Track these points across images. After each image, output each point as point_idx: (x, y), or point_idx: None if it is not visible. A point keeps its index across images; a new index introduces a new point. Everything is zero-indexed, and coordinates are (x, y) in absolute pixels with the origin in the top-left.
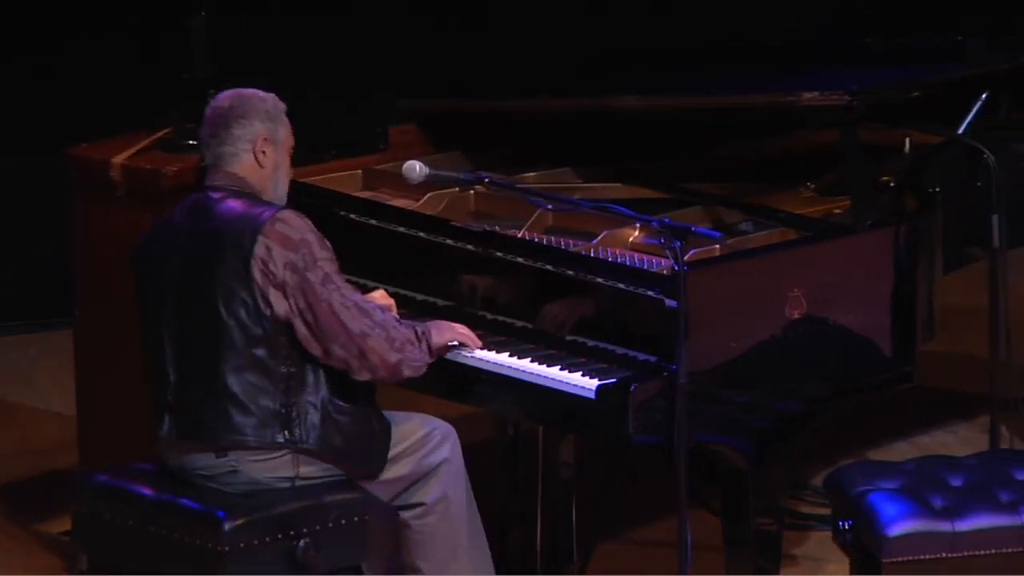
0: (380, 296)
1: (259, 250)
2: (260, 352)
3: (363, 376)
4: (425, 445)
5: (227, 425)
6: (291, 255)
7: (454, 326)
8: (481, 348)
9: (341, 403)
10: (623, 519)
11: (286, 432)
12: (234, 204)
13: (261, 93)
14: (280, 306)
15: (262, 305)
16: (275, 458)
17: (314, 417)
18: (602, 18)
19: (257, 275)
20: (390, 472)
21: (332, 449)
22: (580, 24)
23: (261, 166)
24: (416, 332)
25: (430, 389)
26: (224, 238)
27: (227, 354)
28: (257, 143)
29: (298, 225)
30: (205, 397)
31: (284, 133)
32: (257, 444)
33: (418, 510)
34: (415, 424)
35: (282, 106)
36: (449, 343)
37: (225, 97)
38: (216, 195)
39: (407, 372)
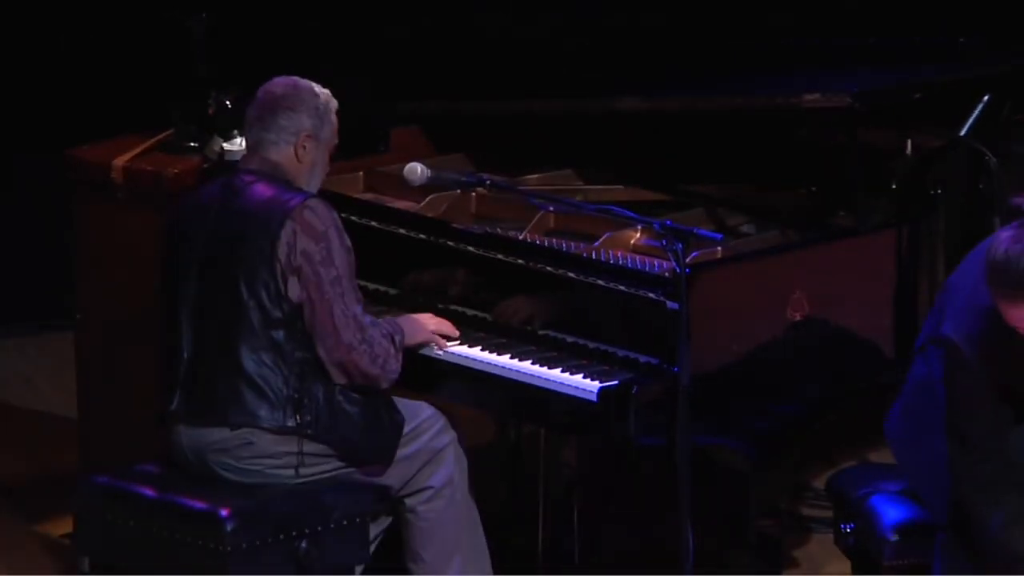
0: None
1: (285, 234)
2: (278, 335)
3: (338, 380)
4: (429, 429)
5: (240, 405)
6: (311, 245)
7: (427, 325)
8: (448, 344)
9: (353, 394)
10: (624, 521)
11: (297, 417)
12: (265, 188)
13: (316, 88)
14: (294, 291)
15: (283, 288)
16: (285, 435)
17: (324, 405)
18: (604, 18)
19: (282, 257)
20: (399, 452)
21: (340, 438)
22: (582, 24)
23: (300, 161)
24: (395, 343)
25: (430, 390)
26: (252, 219)
27: (245, 334)
28: (300, 137)
29: (324, 216)
30: (219, 374)
31: (329, 132)
32: (268, 427)
33: (426, 494)
34: (414, 410)
35: (334, 104)
36: (419, 340)
37: (279, 84)
38: (248, 178)
39: (383, 385)
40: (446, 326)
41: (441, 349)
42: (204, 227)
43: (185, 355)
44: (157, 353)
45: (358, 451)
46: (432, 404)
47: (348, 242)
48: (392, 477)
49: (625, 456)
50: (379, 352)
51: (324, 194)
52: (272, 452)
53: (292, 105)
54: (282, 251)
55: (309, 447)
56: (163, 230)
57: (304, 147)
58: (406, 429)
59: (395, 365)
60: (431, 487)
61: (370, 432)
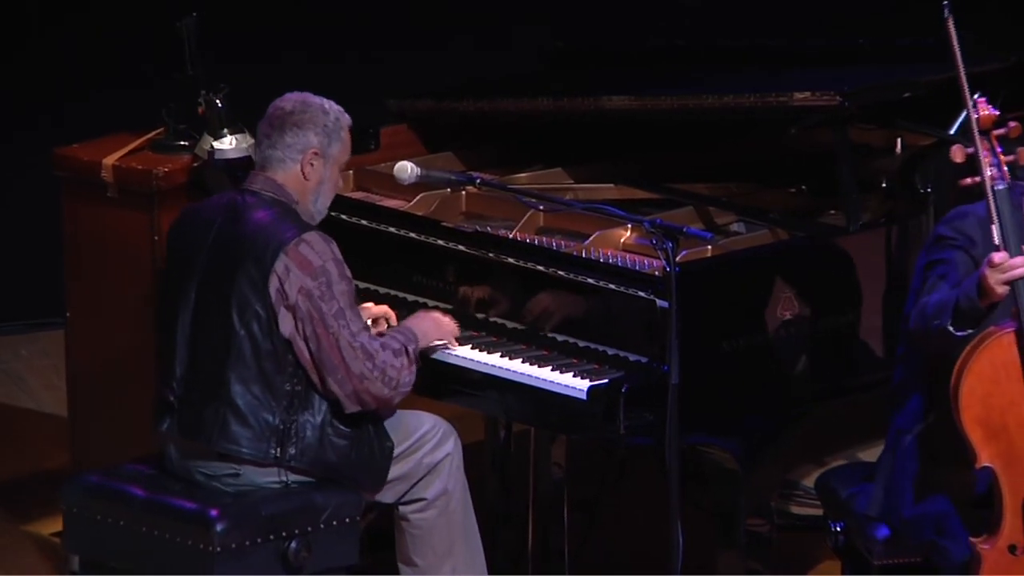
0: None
1: (278, 267)
2: (268, 366)
3: (352, 409)
4: (425, 444)
5: (224, 433)
6: (308, 281)
7: (440, 323)
8: (458, 342)
9: (341, 426)
10: (614, 520)
11: (278, 449)
12: (264, 214)
13: (327, 105)
14: (286, 326)
15: (273, 321)
16: (268, 466)
17: (311, 437)
18: (597, 18)
19: (272, 291)
20: (393, 472)
21: (326, 469)
22: (575, 24)
23: (306, 178)
24: (408, 354)
25: (420, 390)
26: (247, 247)
27: (235, 363)
28: (307, 155)
29: (321, 250)
30: (207, 401)
31: (338, 149)
32: (251, 458)
33: (418, 504)
34: (414, 424)
35: (346, 120)
36: (434, 342)
37: (289, 100)
38: (251, 199)
39: (398, 400)
40: (453, 323)
41: (463, 352)
42: (204, 245)
43: (178, 372)
44: (147, 351)
45: (346, 480)
46: (423, 401)
47: (348, 272)
48: (385, 495)
49: (615, 455)
50: (392, 375)
51: None
52: (258, 483)
53: (299, 123)
54: (273, 285)
55: (294, 477)
56: (167, 236)
57: (311, 164)
58: (404, 446)
59: (408, 378)
60: (424, 499)
61: (359, 463)
